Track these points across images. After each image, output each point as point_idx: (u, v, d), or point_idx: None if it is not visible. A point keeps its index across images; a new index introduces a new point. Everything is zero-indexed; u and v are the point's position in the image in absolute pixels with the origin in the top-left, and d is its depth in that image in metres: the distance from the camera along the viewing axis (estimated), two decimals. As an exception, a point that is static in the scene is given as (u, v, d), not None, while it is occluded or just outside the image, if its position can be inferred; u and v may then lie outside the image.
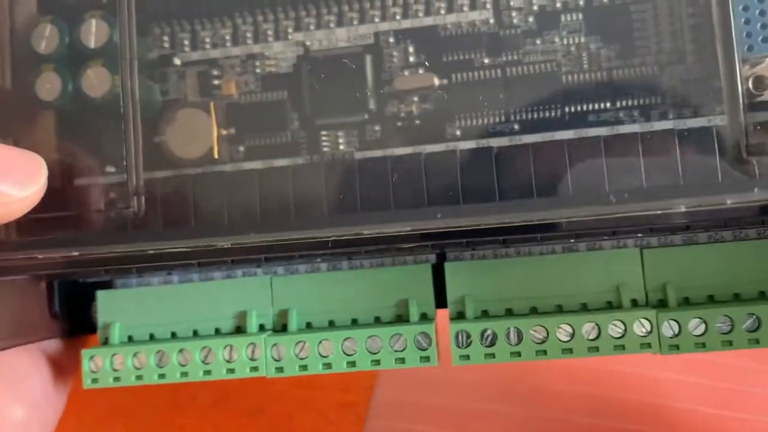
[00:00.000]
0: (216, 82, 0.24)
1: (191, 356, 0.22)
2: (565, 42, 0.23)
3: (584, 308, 0.22)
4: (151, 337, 0.24)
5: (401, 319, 0.23)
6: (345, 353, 0.22)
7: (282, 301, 0.23)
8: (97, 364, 0.23)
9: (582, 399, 0.30)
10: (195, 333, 0.24)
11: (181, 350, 0.22)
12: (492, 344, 0.21)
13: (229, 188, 0.23)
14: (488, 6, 0.24)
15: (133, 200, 0.21)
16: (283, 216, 0.21)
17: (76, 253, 0.20)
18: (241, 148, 0.24)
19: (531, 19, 0.23)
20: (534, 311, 0.22)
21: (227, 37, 0.24)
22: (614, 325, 0.21)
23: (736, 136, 0.19)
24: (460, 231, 0.21)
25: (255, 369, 0.22)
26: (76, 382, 0.25)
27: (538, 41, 0.23)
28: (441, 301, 0.23)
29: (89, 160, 0.23)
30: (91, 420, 0.34)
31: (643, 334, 0.21)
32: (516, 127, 0.23)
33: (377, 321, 0.23)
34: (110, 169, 0.23)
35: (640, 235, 0.23)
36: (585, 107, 0.23)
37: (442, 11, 0.24)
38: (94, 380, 0.23)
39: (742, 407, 0.29)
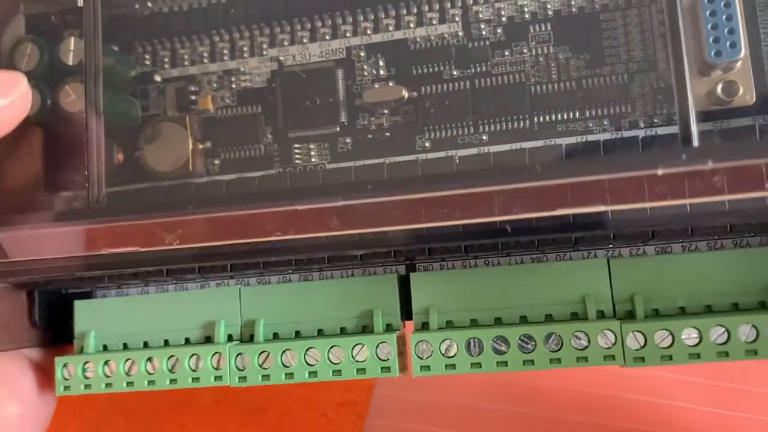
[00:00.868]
0: (193, 97, 0.25)
1: (158, 365, 0.23)
2: (534, 52, 0.23)
3: (549, 319, 0.22)
4: (125, 346, 0.24)
5: (367, 329, 0.23)
6: (307, 363, 0.22)
7: (250, 311, 0.24)
8: (70, 372, 0.23)
9: (582, 398, 0.29)
10: (166, 342, 0.24)
11: (149, 359, 0.23)
12: (453, 355, 0.21)
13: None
14: (457, 19, 0.24)
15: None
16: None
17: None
18: (217, 162, 0.25)
19: (500, 31, 0.23)
20: (498, 322, 0.22)
21: (205, 54, 0.25)
22: (576, 336, 0.21)
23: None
24: (424, 235, 0.21)
25: (219, 378, 0.22)
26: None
27: (507, 52, 0.23)
28: (408, 312, 0.23)
29: (65, 173, 0.23)
30: (93, 418, 0.35)
31: (606, 346, 0.20)
32: (484, 138, 0.23)
33: (343, 331, 0.23)
34: (77, 186, 0.24)
35: (610, 246, 0.22)
36: (553, 117, 0.23)
37: (412, 25, 0.24)
38: (66, 387, 0.23)
39: (742, 407, 0.28)
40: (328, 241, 0.20)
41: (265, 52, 0.25)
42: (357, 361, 0.22)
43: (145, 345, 0.24)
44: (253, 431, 0.33)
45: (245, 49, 0.25)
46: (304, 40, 0.25)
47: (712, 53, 0.21)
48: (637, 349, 0.20)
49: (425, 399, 0.31)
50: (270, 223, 0.18)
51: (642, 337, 0.20)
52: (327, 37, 0.24)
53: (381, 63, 0.24)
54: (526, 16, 0.23)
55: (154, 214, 0.19)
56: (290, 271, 0.24)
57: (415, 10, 0.24)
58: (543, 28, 0.23)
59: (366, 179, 0.21)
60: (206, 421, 0.33)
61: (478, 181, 0.17)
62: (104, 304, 0.25)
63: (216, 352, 0.22)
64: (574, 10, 0.23)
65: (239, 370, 0.22)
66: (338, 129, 0.24)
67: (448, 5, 0.24)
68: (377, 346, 0.22)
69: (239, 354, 0.22)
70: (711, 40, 0.21)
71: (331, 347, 0.22)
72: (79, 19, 0.24)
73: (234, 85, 0.25)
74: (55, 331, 0.26)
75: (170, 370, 0.23)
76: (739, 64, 0.21)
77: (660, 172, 0.16)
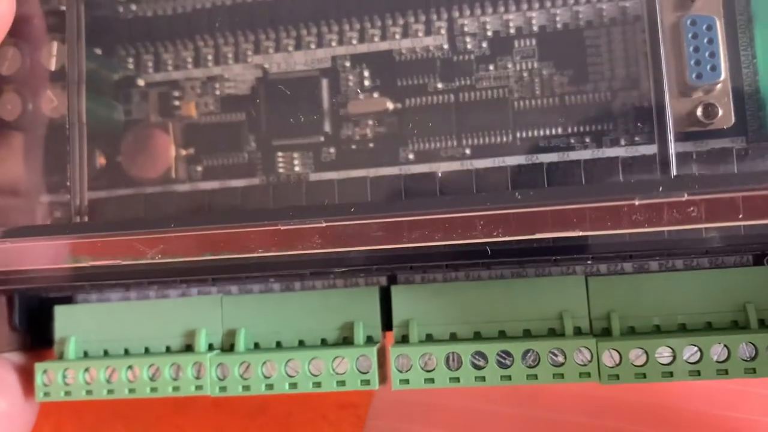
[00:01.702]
0: (177, 102, 0.25)
1: (139, 373, 0.23)
2: (518, 67, 0.23)
3: (527, 334, 0.22)
4: (105, 352, 0.24)
5: (347, 341, 0.23)
6: (288, 374, 0.22)
7: (231, 320, 0.24)
8: (50, 378, 0.23)
9: (582, 399, 0.29)
10: (146, 350, 0.24)
11: (130, 367, 0.23)
12: (432, 369, 0.21)
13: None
14: (443, 31, 0.24)
15: (75, 219, 0.21)
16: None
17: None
18: (199, 168, 0.25)
19: (485, 45, 0.23)
20: (478, 336, 0.22)
21: (189, 59, 0.25)
22: (553, 353, 0.21)
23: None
24: (406, 254, 0.21)
25: (200, 387, 0.22)
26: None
27: (491, 67, 0.23)
28: (388, 324, 0.24)
29: (47, 178, 0.23)
30: (91, 420, 0.35)
31: (582, 363, 0.21)
32: (467, 151, 0.23)
33: (323, 342, 0.23)
34: (59, 190, 0.24)
35: (589, 262, 0.23)
36: (536, 133, 0.23)
37: (398, 36, 0.24)
38: (46, 394, 0.23)
39: (743, 408, 0.28)
40: (310, 258, 0.21)
41: (249, 59, 0.25)
42: (337, 374, 0.22)
43: (126, 352, 0.24)
44: (253, 433, 0.34)
45: (230, 55, 0.25)
46: (290, 48, 0.25)
47: (693, 75, 0.21)
48: (612, 367, 0.21)
49: (425, 401, 0.31)
50: (253, 240, 0.18)
51: (617, 355, 0.21)
52: (312, 46, 0.24)
53: (366, 74, 0.24)
54: (512, 31, 0.23)
55: (136, 231, 0.19)
56: (272, 281, 0.24)
57: (401, 22, 0.24)
58: (528, 44, 0.23)
59: (349, 199, 0.21)
60: (205, 423, 0.33)
61: (460, 206, 0.17)
62: (85, 309, 0.25)
63: (197, 362, 0.23)
64: (558, 26, 0.23)
65: (219, 380, 0.22)
66: (322, 139, 0.24)
67: (435, 17, 0.24)
68: (357, 359, 0.22)
69: (220, 363, 0.23)
70: (692, 62, 0.21)
71: (312, 359, 0.22)
72: (61, 23, 0.24)
73: (218, 92, 0.25)
74: (34, 335, 0.26)
75: (150, 379, 0.23)
76: (719, 86, 0.21)
77: (637, 202, 0.16)
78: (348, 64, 0.24)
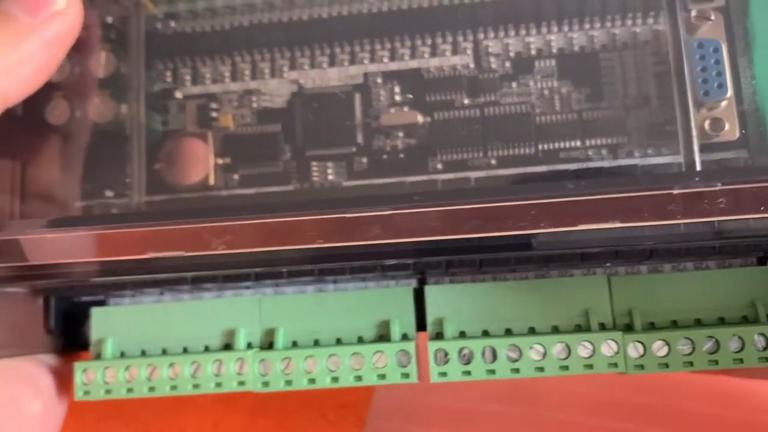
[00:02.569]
0: (214, 114, 0.26)
1: (181, 370, 0.23)
2: (539, 85, 0.25)
3: (555, 330, 0.23)
4: (143, 353, 0.25)
5: (383, 338, 0.24)
6: (329, 369, 0.23)
7: (269, 320, 0.24)
8: (89, 377, 0.24)
9: (582, 399, 0.30)
10: (185, 350, 0.25)
11: (171, 364, 0.23)
12: (468, 362, 0.23)
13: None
14: (468, 52, 0.26)
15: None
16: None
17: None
18: (236, 176, 0.26)
19: (508, 64, 0.25)
20: (509, 332, 0.24)
21: (226, 74, 0.26)
22: (583, 345, 0.22)
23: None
24: (440, 248, 0.22)
25: (242, 384, 0.23)
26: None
27: (514, 84, 0.25)
28: (420, 324, 0.25)
29: (92, 183, 0.24)
30: (92, 419, 0.34)
31: (610, 355, 0.22)
32: (493, 162, 0.25)
33: (360, 340, 0.24)
34: (109, 193, 0.25)
35: (608, 264, 0.24)
36: (556, 145, 0.25)
37: (426, 55, 0.26)
38: (86, 392, 0.23)
39: (745, 408, 0.29)
40: (359, 250, 0.22)
41: (285, 75, 0.26)
42: (378, 368, 0.23)
43: (164, 352, 0.25)
44: (253, 433, 0.34)
45: (266, 70, 0.26)
46: (324, 65, 0.26)
47: (701, 92, 0.24)
48: (637, 358, 0.22)
49: (426, 401, 0.31)
50: (316, 230, 0.19)
51: (641, 347, 0.22)
52: (345, 63, 0.26)
53: (396, 90, 0.26)
54: (533, 52, 0.25)
55: (202, 219, 0.20)
56: (307, 282, 0.25)
57: (430, 42, 0.26)
58: (548, 64, 0.25)
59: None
60: (206, 422, 0.33)
61: (514, 195, 0.19)
62: (121, 311, 0.25)
63: (239, 358, 0.23)
64: (576, 48, 0.25)
65: (262, 375, 0.23)
66: (355, 149, 0.25)
67: (461, 39, 0.26)
68: (396, 353, 0.23)
69: (262, 360, 0.23)
70: (700, 81, 0.24)
71: (353, 354, 0.23)
72: (107, 34, 0.25)
73: (254, 105, 0.26)
74: (66, 339, 0.26)
75: (192, 376, 0.23)
76: (725, 102, 0.24)
77: (675, 191, 0.18)
78: (380, 80, 0.26)
